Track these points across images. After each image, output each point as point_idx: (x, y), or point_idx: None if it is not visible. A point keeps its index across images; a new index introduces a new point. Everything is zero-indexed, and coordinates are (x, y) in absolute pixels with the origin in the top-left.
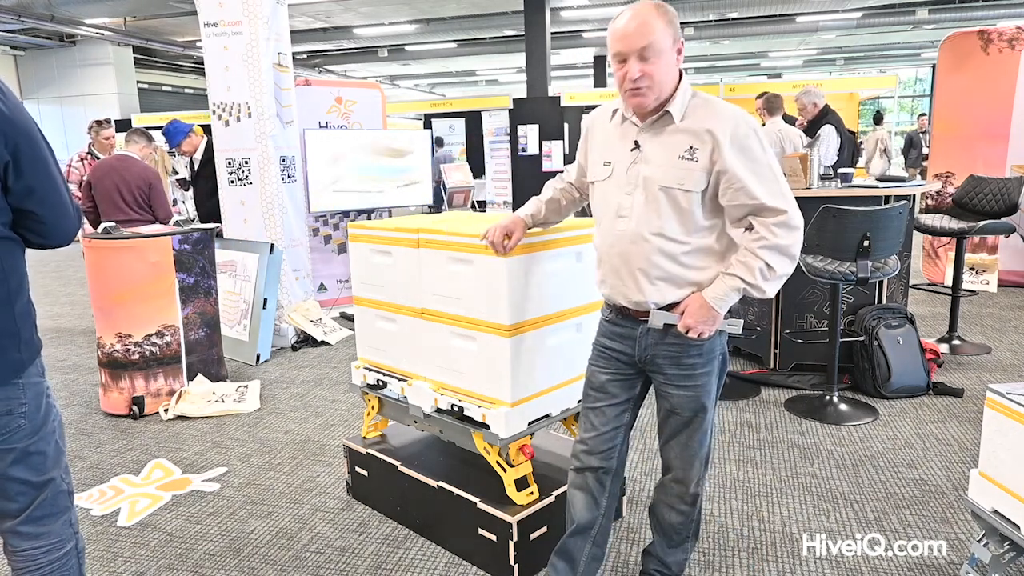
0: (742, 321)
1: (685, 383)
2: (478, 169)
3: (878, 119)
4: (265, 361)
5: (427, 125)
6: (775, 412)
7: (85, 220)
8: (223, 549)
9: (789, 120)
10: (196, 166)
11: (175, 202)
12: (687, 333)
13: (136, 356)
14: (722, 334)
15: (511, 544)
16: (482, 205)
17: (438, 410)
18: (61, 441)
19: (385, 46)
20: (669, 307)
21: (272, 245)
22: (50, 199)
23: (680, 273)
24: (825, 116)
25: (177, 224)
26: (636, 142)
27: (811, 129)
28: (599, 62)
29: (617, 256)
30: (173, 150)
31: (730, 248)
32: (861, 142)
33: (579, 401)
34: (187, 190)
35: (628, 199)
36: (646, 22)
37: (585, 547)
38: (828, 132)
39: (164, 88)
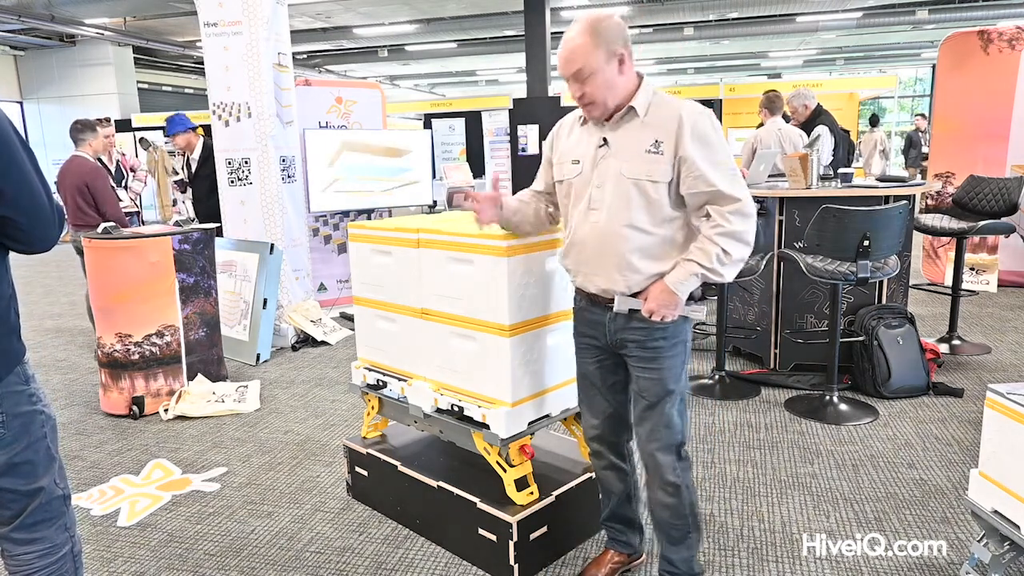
0: (705, 308)
1: (651, 365)
2: (478, 169)
3: (874, 121)
4: (265, 361)
5: (427, 125)
6: (775, 412)
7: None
8: (223, 549)
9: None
10: (193, 166)
11: (175, 202)
12: (651, 317)
13: (136, 356)
14: (687, 320)
15: (511, 544)
16: None
17: (438, 410)
18: (53, 447)
19: (385, 46)
20: (635, 294)
21: (272, 245)
22: (23, 203)
23: (647, 264)
24: (818, 116)
25: (177, 224)
26: (604, 139)
27: (804, 130)
28: None
29: (590, 247)
30: (167, 140)
31: (689, 240)
32: (860, 142)
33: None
34: (184, 191)
35: (599, 192)
36: (574, 48)
37: (631, 502)
38: (822, 132)
39: (164, 88)
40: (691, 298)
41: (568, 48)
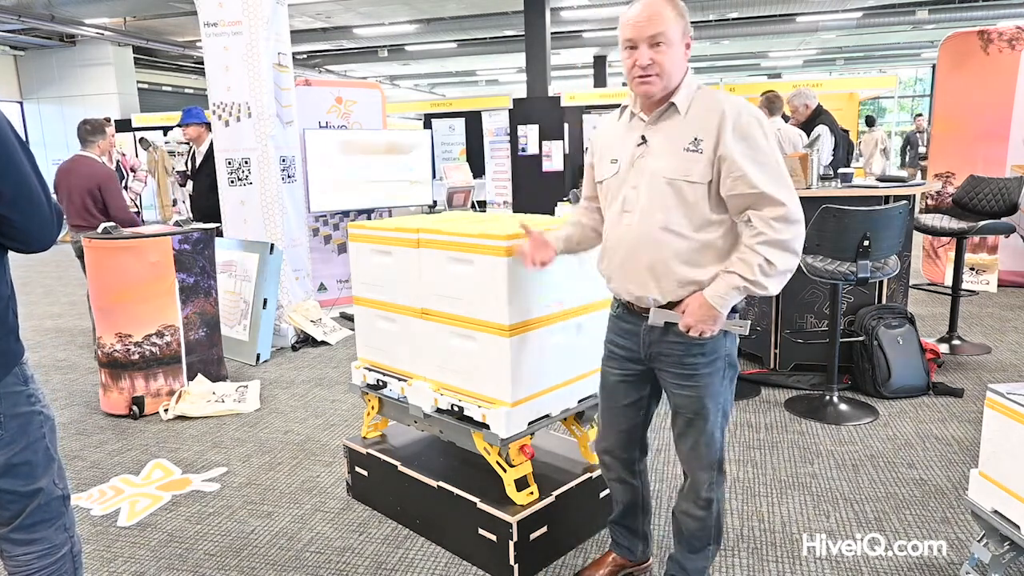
0: (748, 322)
1: (686, 383)
2: (478, 169)
3: (870, 122)
4: (265, 361)
5: (427, 125)
6: (775, 412)
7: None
8: (223, 549)
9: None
10: (198, 159)
11: (175, 202)
12: (688, 332)
13: (136, 356)
14: (727, 335)
15: (511, 544)
16: (482, 205)
17: (438, 410)
18: (52, 447)
19: (385, 46)
20: (671, 305)
21: (272, 245)
22: (20, 203)
23: (683, 271)
24: (818, 116)
25: (177, 224)
26: (643, 136)
27: (804, 130)
28: (599, 62)
29: (622, 251)
30: (179, 127)
31: (734, 247)
32: (860, 142)
33: (579, 401)
34: (183, 185)
35: (634, 192)
36: (658, 11)
37: (638, 514)
38: (822, 132)
39: (164, 88)
40: (733, 310)
41: (650, 10)
